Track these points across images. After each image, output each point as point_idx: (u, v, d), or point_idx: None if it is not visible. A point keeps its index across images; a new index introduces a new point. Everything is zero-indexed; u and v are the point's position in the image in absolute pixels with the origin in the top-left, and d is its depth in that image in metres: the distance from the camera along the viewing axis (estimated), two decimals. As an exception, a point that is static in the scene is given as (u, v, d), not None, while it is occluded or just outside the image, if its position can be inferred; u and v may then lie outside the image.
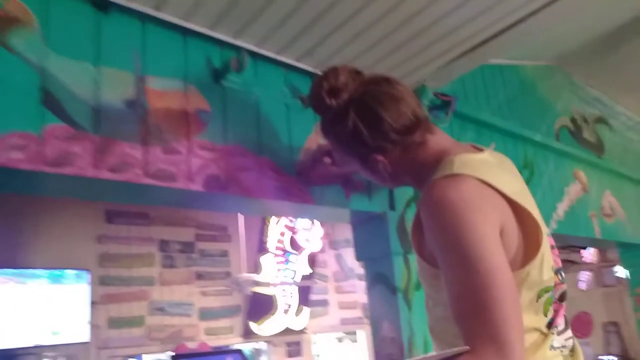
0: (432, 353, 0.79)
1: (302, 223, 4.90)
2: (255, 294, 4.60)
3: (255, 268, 4.65)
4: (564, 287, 0.91)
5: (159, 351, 4.16)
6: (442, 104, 1.75)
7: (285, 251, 4.85)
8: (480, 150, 0.93)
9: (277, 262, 4.79)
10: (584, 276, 6.73)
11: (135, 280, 4.16)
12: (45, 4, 0.97)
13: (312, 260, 5.06)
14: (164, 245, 4.39)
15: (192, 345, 4.28)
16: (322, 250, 5.27)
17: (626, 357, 6.52)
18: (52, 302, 3.64)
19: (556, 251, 0.92)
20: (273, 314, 4.74)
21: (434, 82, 1.56)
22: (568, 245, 5.27)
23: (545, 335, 0.85)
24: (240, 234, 4.40)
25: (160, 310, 4.24)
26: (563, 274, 0.92)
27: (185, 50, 1.16)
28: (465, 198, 0.79)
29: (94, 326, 3.82)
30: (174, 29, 1.14)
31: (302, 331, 4.98)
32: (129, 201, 1.17)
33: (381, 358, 1.48)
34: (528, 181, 1.94)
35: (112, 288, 4.03)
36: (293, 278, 4.86)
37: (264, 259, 4.71)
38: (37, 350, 3.52)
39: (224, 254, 4.73)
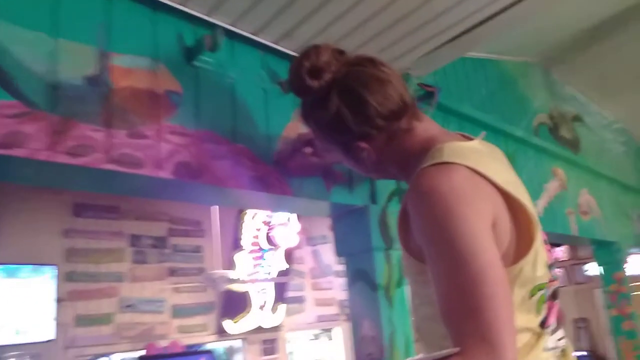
0: (420, 356, 0.74)
1: (278, 218, 4.82)
2: (230, 290, 4.50)
3: (230, 264, 4.56)
4: (557, 283, 0.87)
5: (129, 349, 4.03)
6: (426, 94, 1.70)
7: (260, 247, 4.77)
8: (470, 139, 0.88)
9: (253, 258, 4.70)
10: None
11: (104, 277, 4.02)
12: (-4, -33, 0.87)
13: (289, 256, 4.99)
14: (134, 240, 4.25)
15: (163, 344, 4.16)
16: (299, 247, 5.21)
17: (595, 352, 6.69)
18: (15, 299, 3.47)
19: (548, 246, 0.87)
20: (248, 311, 4.66)
21: (418, 71, 1.51)
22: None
23: (539, 336, 0.80)
24: (215, 229, 4.30)
25: (130, 307, 4.10)
26: (556, 270, 0.87)
27: (154, 25, 1.07)
28: (455, 188, 0.73)
29: (60, 324, 3.67)
30: (142, 1, 1.05)
31: (277, 328, 4.92)
32: (88, 188, 1.07)
33: (361, 357, 1.42)
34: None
35: (79, 284, 3.88)
36: (269, 274, 4.78)
37: (239, 255, 4.61)
38: (-1, 350, 3.36)
39: (198, 249, 4.62)
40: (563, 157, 2.84)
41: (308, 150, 1.28)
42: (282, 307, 4.93)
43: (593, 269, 6.02)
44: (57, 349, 3.63)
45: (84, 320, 3.83)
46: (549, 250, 0.87)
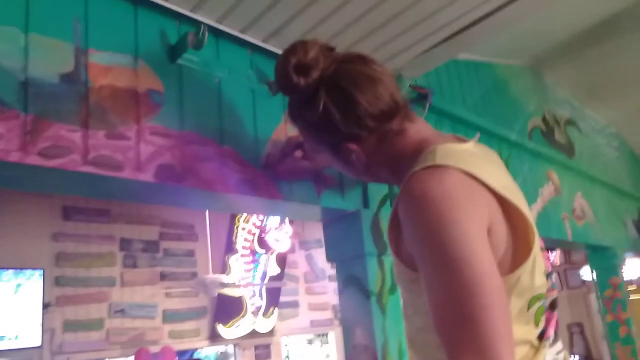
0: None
1: (271, 222, 4.78)
2: (223, 295, 4.45)
3: (223, 268, 4.50)
4: (555, 293, 0.82)
5: (119, 356, 3.97)
6: (419, 96, 1.67)
7: (253, 251, 4.72)
8: (464, 140, 0.84)
9: (245, 263, 4.65)
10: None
11: (94, 281, 3.96)
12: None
13: (282, 260, 4.94)
14: (125, 243, 4.19)
15: (155, 349, 4.10)
16: (292, 251, 5.16)
17: (589, 357, 6.67)
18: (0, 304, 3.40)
19: (546, 253, 0.83)
20: (241, 316, 4.60)
21: (410, 72, 1.48)
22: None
23: (537, 349, 0.76)
24: (207, 232, 4.25)
25: (120, 312, 4.04)
26: (554, 279, 0.83)
27: (135, 21, 1.02)
28: (449, 192, 0.69)
29: (48, 330, 3.59)
30: (122, -4, 1.01)
31: (270, 333, 4.86)
32: (64, 191, 1.02)
33: (352, 367, 1.38)
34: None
35: (68, 289, 3.82)
36: (262, 279, 4.73)
37: (232, 259, 4.56)
38: (-17, 356, 3.29)
39: (190, 253, 4.56)
40: (557, 161, 2.82)
41: (298, 153, 1.23)
42: (276, 312, 4.88)
43: (587, 273, 6.01)
44: (44, 355, 3.56)
45: (72, 326, 3.77)
46: (547, 258, 0.83)
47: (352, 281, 1.47)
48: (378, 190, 1.52)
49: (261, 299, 4.76)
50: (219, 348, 4.67)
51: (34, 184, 0.94)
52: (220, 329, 4.50)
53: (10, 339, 3.39)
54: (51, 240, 3.81)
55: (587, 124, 3.54)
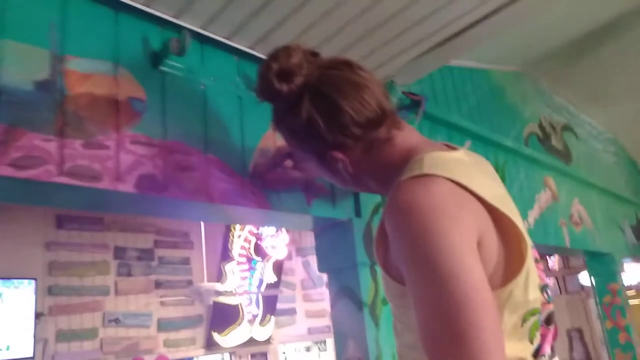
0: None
1: (267, 229, 4.74)
2: (219, 303, 4.40)
3: (219, 276, 4.46)
4: (551, 307, 0.79)
5: (113, 365, 3.91)
6: (412, 103, 1.64)
7: (250, 258, 4.67)
8: (454, 149, 0.81)
9: (242, 270, 4.60)
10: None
11: (88, 290, 3.91)
12: None
13: (279, 267, 4.90)
14: (119, 252, 4.14)
15: (150, 359, 4.05)
16: (289, 258, 5.12)
17: (590, 363, 6.61)
18: (-9, 314, 3.35)
19: (541, 265, 0.80)
20: (237, 324, 4.55)
21: (403, 78, 1.45)
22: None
23: (532, 367, 0.73)
24: (203, 240, 4.21)
25: (114, 321, 3.99)
26: (549, 292, 0.80)
27: (116, 27, 0.99)
28: (436, 202, 0.66)
29: (40, 340, 3.54)
30: (102, 1, 0.97)
31: (267, 341, 4.81)
32: (38, 203, 0.99)
33: (345, 381, 1.34)
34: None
35: (61, 298, 3.77)
36: (258, 287, 4.68)
37: (228, 267, 4.52)
38: (-27, 368, 3.23)
39: (186, 261, 4.51)
40: (554, 167, 2.79)
41: (288, 163, 1.20)
42: (272, 320, 4.83)
43: (586, 278, 5.97)
44: (36, 366, 3.50)
45: (65, 336, 3.72)
46: (542, 270, 0.80)
47: (344, 292, 1.44)
48: (370, 199, 1.48)
49: (257, 307, 4.72)
50: (215, 357, 4.61)
51: (7, 195, 0.91)
52: (216, 337, 4.45)
53: (1, 349, 3.34)
54: (44, 249, 3.77)
55: (584, 130, 3.52)
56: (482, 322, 0.60)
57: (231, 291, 4.41)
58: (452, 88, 2.11)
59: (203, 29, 1.10)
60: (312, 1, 1.06)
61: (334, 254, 1.47)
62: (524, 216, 2.35)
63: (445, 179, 0.68)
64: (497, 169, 2.24)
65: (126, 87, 0.98)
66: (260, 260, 4.72)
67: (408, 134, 0.82)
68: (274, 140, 1.25)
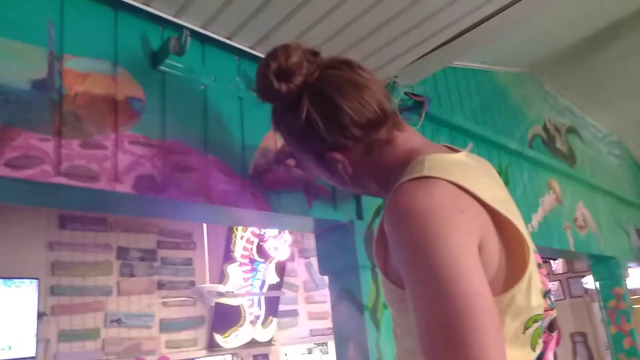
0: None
1: (270, 230, 4.73)
2: (221, 304, 4.39)
3: (221, 277, 4.45)
4: (554, 313, 0.77)
5: (115, 366, 3.91)
6: (414, 104, 1.63)
7: (252, 260, 4.66)
8: (456, 151, 0.79)
9: (244, 271, 4.60)
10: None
11: (90, 290, 3.91)
12: None
13: (281, 269, 4.89)
14: (122, 252, 4.14)
15: (151, 359, 4.05)
16: (292, 259, 5.10)
17: (594, 368, 6.56)
18: (-7, 313, 3.35)
19: (543, 270, 0.78)
20: (239, 325, 4.54)
21: (405, 79, 1.44)
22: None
23: (534, 375, 0.71)
24: (205, 241, 4.20)
25: (117, 322, 3.99)
26: (552, 298, 0.78)
27: (115, 26, 0.98)
28: (436, 206, 0.64)
29: (42, 340, 3.54)
30: (101, 0, 0.97)
31: (269, 343, 4.80)
32: (35, 204, 0.98)
33: (345, 385, 1.33)
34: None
35: (64, 298, 3.77)
36: (261, 288, 4.67)
37: (231, 268, 4.51)
38: (-25, 367, 3.24)
39: (188, 262, 4.51)
40: (558, 170, 2.77)
41: (291, 162, 1.19)
42: (274, 321, 4.82)
43: (590, 282, 5.92)
44: (38, 366, 3.51)
45: (67, 336, 3.72)
46: (545, 276, 0.78)
47: (345, 295, 1.42)
48: (372, 201, 1.47)
49: (260, 308, 4.71)
50: (217, 358, 4.60)
51: (3, 196, 0.90)
52: (218, 338, 4.44)
53: (3, 349, 3.34)
54: (47, 249, 3.77)
55: (588, 132, 3.49)
56: (481, 328, 0.59)
57: (233, 292, 4.40)
58: (455, 89, 2.09)
59: (203, 29, 1.09)
60: (314, 0, 1.05)
61: (334, 257, 1.46)
62: (528, 219, 2.33)
63: (446, 181, 0.67)
64: (500, 171, 2.24)
65: (125, 86, 0.97)
66: (263, 261, 4.71)
67: (409, 136, 0.81)
68: (274, 140, 1.24)
